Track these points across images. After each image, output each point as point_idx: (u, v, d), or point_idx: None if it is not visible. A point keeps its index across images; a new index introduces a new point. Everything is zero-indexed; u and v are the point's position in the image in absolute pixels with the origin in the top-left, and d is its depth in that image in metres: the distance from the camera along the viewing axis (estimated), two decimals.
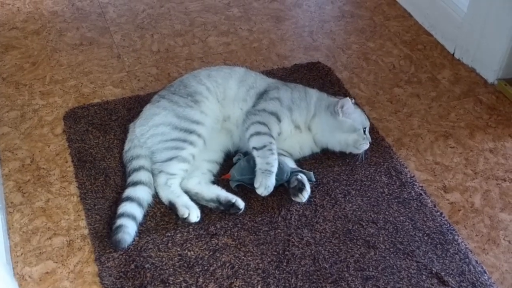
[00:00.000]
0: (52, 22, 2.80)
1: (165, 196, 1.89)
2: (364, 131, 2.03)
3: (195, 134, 1.96)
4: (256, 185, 1.88)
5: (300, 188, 1.90)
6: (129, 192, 1.87)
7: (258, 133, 1.95)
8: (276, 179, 1.90)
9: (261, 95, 2.06)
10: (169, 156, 1.92)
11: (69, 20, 2.82)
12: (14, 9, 2.89)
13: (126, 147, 2.01)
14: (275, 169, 1.89)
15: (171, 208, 1.87)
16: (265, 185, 1.87)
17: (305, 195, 1.90)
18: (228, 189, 1.93)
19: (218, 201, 1.87)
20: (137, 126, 2.01)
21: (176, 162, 1.91)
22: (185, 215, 1.83)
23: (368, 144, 2.04)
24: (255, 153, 1.92)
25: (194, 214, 1.83)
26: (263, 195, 1.89)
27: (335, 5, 2.98)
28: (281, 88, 2.09)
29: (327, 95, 2.13)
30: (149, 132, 1.98)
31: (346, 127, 2.01)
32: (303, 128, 2.05)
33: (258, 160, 1.90)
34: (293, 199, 1.91)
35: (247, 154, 2.00)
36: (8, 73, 2.48)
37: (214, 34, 2.75)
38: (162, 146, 1.94)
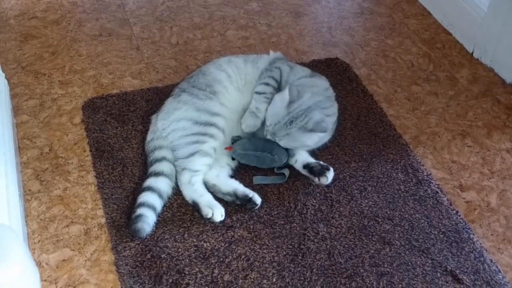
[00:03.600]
0: (72, 13, 2.82)
1: (188, 195, 1.89)
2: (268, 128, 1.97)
3: (215, 126, 1.97)
4: (241, 121, 2.01)
5: (325, 169, 1.95)
6: (150, 182, 1.88)
7: (266, 84, 2.03)
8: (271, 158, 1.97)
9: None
10: (190, 151, 1.93)
11: (89, 10, 2.84)
12: None
13: (149, 137, 2.02)
14: (261, 115, 1.99)
15: (195, 207, 1.87)
16: (247, 123, 2.00)
17: (329, 176, 1.94)
18: (247, 185, 1.93)
19: (235, 195, 1.88)
20: (159, 120, 2.02)
21: (198, 157, 1.92)
22: (209, 215, 1.83)
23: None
24: (254, 96, 2.02)
25: (218, 214, 1.83)
26: (245, 131, 2.01)
27: (355, 1, 2.97)
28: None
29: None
30: (170, 127, 1.98)
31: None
32: None
33: (252, 102, 2.01)
34: (318, 182, 1.95)
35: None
36: (27, 62, 2.50)
37: (232, 28, 2.75)
38: (184, 141, 1.95)
